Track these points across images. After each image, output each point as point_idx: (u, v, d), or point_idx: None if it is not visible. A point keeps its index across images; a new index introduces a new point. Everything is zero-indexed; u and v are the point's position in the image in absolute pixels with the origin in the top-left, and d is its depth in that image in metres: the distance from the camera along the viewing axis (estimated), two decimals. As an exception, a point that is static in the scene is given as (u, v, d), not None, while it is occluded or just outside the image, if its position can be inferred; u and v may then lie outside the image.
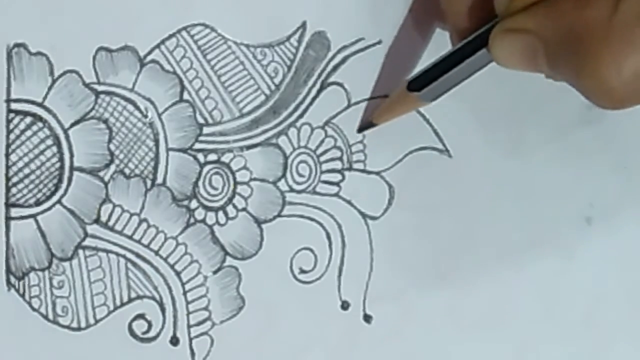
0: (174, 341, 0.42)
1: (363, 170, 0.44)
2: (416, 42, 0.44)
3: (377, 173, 0.44)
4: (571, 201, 0.45)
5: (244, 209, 0.43)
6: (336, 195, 0.44)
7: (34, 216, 0.41)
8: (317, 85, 0.43)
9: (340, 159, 0.44)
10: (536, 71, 0.36)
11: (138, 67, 0.42)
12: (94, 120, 0.42)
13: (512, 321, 0.45)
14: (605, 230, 0.45)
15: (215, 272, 0.43)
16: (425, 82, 0.39)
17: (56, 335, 0.42)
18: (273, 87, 0.43)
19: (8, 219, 0.41)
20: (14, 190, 0.41)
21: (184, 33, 0.42)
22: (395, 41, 0.44)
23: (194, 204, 0.43)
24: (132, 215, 0.42)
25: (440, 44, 0.42)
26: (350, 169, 0.44)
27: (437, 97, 0.40)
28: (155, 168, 0.42)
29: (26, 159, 0.41)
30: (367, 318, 0.44)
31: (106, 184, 0.42)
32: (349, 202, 0.44)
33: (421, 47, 0.44)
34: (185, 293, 0.42)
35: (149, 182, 0.42)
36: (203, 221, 0.43)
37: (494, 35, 0.37)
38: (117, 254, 0.42)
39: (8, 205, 0.41)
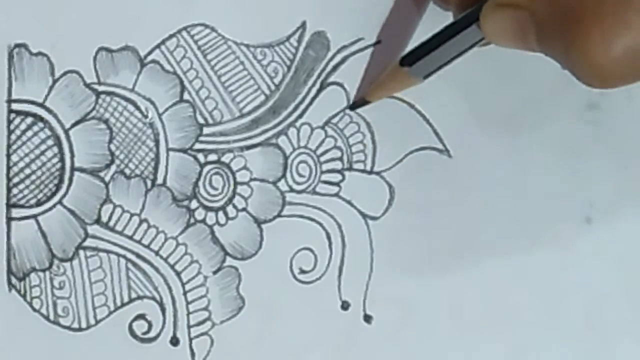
0: (174, 341, 0.42)
1: (363, 171, 0.44)
2: (410, 19, 0.43)
3: (378, 173, 0.44)
4: (571, 201, 0.45)
5: (244, 209, 0.43)
6: (336, 195, 0.44)
7: (34, 217, 0.41)
8: (317, 85, 0.43)
9: (341, 159, 0.44)
10: (526, 48, 0.36)
11: (138, 67, 0.42)
12: (95, 121, 0.42)
13: (512, 321, 0.45)
14: (605, 230, 0.45)
15: (215, 272, 0.43)
16: (417, 58, 0.39)
17: (57, 335, 0.42)
18: (273, 87, 0.43)
19: (9, 219, 0.41)
20: (15, 190, 0.41)
21: (184, 33, 0.42)
22: (389, 17, 0.43)
23: (194, 204, 0.43)
24: (132, 215, 0.42)
25: (437, 21, 0.42)
26: (350, 169, 0.44)
27: (429, 74, 0.40)
28: (156, 168, 0.42)
29: (27, 160, 0.41)
30: (368, 318, 0.44)
31: (107, 185, 0.42)
32: (349, 202, 0.44)
33: (414, 23, 0.43)
34: (185, 293, 0.42)
35: (149, 183, 0.42)
36: (203, 221, 0.43)
37: (485, 10, 0.36)
38: (118, 255, 0.42)
39: (9, 206, 0.41)
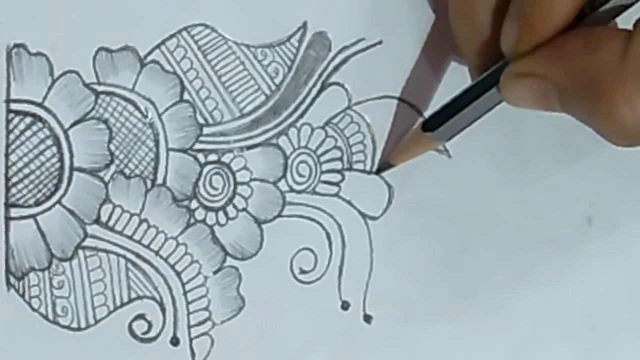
0: (174, 341, 0.42)
1: (363, 171, 0.44)
2: (432, 76, 0.44)
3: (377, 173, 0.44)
4: (571, 201, 0.45)
5: (244, 209, 0.43)
6: (336, 195, 0.44)
7: (33, 216, 0.41)
8: (318, 86, 0.43)
9: (341, 159, 0.44)
10: (549, 110, 0.37)
11: (138, 67, 0.42)
12: (94, 121, 0.42)
13: (512, 321, 0.45)
14: (605, 230, 0.45)
15: (215, 273, 0.43)
16: (439, 123, 0.40)
17: (56, 335, 0.42)
18: (273, 88, 0.43)
19: (8, 219, 0.41)
20: (13, 190, 0.41)
21: (184, 33, 0.42)
22: (411, 75, 0.44)
23: (194, 204, 0.43)
24: (132, 215, 0.42)
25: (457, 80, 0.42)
26: (350, 169, 0.44)
27: (452, 137, 0.41)
28: (156, 168, 0.42)
29: (26, 159, 0.41)
30: (368, 318, 0.44)
31: (106, 184, 0.42)
32: (348, 202, 0.44)
33: (437, 80, 0.44)
34: (185, 293, 0.42)
35: (149, 183, 0.42)
36: (203, 221, 0.43)
37: (504, 78, 0.37)
38: (117, 254, 0.42)
39: (8, 206, 0.41)
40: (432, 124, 0.40)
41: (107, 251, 0.42)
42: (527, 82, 0.36)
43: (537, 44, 0.36)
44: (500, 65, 0.38)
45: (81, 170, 0.42)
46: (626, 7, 0.36)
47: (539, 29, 0.35)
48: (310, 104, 0.43)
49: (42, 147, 0.41)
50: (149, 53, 0.42)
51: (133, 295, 0.42)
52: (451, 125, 0.40)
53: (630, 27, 0.34)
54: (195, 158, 0.42)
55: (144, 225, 0.42)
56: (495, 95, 0.38)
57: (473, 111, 0.39)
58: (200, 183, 0.43)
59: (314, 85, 0.43)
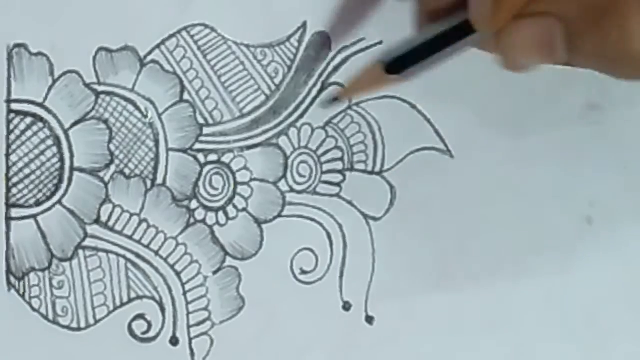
0: (174, 341, 0.42)
1: (364, 171, 0.44)
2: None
3: (379, 173, 0.44)
4: (571, 201, 0.45)
5: (244, 209, 0.43)
6: (337, 195, 0.44)
7: (34, 216, 0.42)
8: (318, 86, 0.43)
9: (341, 159, 0.44)
10: (550, 60, 0.35)
11: (138, 68, 0.42)
12: (94, 121, 0.42)
13: (513, 321, 0.44)
14: (605, 230, 0.45)
15: (215, 273, 0.43)
16: (403, 66, 0.38)
17: (56, 335, 0.42)
18: (273, 88, 0.43)
19: (8, 219, 0.41)
20: (14, 190, 0.41)
21: (184, 33, 0.42)
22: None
23: (194, 204, 0.43)
24: (132, 215, 0.42)
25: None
26: (351, 169, 0.44)
27: (412, 77, 0.38)
28: (156, 168, 0.42)
29: (26, 160, 0.41)
30: (369, 319, 0.44)
31: (106, 184, 0.42)
32: (350, 203, 0.44)
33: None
34: (185, 293, 0.42)
35: (149, 183, 0.42)
36: (203, 221, 0.43)
37: (504, 25, 0.34)
38: (117, 254, 0.42)
39: (8, 206, 0.41)
40: (397, 66, 0.38)
41: (107, 251, 0.42)
42: (533, 24, 0.34)
43: (515, 10, 0.34)
44: (468, 13, 0.35)
45: (81, 170, 0.42)
46: None
47: None
48: (311, 104, 0.43)
49: (42, 147, 0.42)
50: (149, 53, 0.42)
51: (133, 295, 0.42)
52: (416, 69, 0.38)
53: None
54: (195, 158, 0.42)
55: (144, 225, 0.42)
56: (472, 41, 0.36)
57: (441, 56, 0.37)
58: (200, 183, 0.43)
59: (314, 85, 0.43)
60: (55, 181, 0.42)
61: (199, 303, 0.43)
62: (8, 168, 0.41)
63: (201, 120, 0.43)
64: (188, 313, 0.43)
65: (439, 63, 0.38)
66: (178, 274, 0.42)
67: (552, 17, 0.34)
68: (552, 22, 0.34)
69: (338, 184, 0.44)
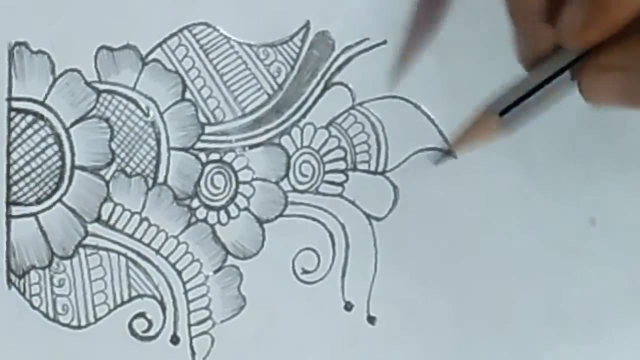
0: (175, 340, 0.42)
1: (367, 171, 0.44)
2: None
3: (382, 173, 0.44)
4: (575, 202, 0.44)
5: (245, 209, 0.43)
6: (339, 195, 0.44)
7: (34, 214, 0.42)
8: (321, 85, 0.43)
9: (344, 159, 0.44)
10: (632, 107, 0.35)
11: (140, 66, 0.42)
12: (96, 119, 0.42)
13: (516, 322, 0.44)
14: (609, 231, 0.44)
15: (216, 272, 0.43)
16: (507, 111, 0.37)
17: (56, 333, 0.42)
18: (276, 87, 0.43)
19: (9, 217, 0.42)
20: (14, 188, 0.41)
21: (185, 32, 0.42)
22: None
23: (195, 203, 0.43)
24: (133, 214, 0.42)
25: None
26: (354, 169, 0.44)
27: (521, 126, 0.38)
28: (157, 167, 0.42)
29: (27, 158, 0.42)
30: (371, 319, 0.44)
31: (107, 183, 0.42)
32: (352, 203, 0.44)
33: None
34: (186, 292, 0.42)
35: (150, 181, 0.42)
36: (204, 220, 0.43)
37: (586, 72, 0.35)
38: (118, 253, 0.42)
39: (9, 204, 0.41)
40: (503, 111, 0.37)
41: (107, 249, 0.42)
42: (612, 76, 0.34)
43: (608, 31, 0.33)
44: (576, 61, 0.35)
45: (82, 168, 0.42)
46: None
47: (611, 14, 0.32)
48: (314, 103, 0.43)
49: (43, 145, 0.42)
50: (151, 52, 0.42)
51: (133, 293, 0.42)
52: (518, 114, 0.37)
53: None
54: (197, 157, 0.42)
55: (145, 224, 0.42)
56: (568, 87, 0.36)
57: (542, 101, 0.37)
58: (202, 182, 0.43)
59: (317, 84, 0.43)
60: (56, 179, 0.42)
61: (199, 302, 0.43)
62: (9, 166, 0.41)
63: (203, 119, 0.42)
64: (189, 312, 0.43)
65: (545, 107, 0.37)
66: (179, 272, 0.42)
67: (635, 72, 0.33)
68: (635, 77, 0.33)
69: (341, 184, 0.44)
